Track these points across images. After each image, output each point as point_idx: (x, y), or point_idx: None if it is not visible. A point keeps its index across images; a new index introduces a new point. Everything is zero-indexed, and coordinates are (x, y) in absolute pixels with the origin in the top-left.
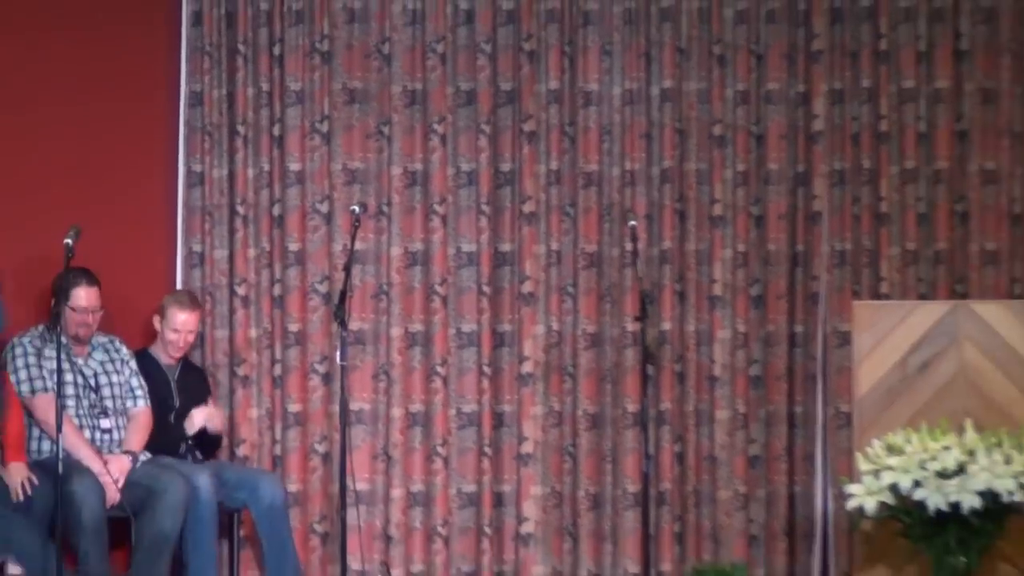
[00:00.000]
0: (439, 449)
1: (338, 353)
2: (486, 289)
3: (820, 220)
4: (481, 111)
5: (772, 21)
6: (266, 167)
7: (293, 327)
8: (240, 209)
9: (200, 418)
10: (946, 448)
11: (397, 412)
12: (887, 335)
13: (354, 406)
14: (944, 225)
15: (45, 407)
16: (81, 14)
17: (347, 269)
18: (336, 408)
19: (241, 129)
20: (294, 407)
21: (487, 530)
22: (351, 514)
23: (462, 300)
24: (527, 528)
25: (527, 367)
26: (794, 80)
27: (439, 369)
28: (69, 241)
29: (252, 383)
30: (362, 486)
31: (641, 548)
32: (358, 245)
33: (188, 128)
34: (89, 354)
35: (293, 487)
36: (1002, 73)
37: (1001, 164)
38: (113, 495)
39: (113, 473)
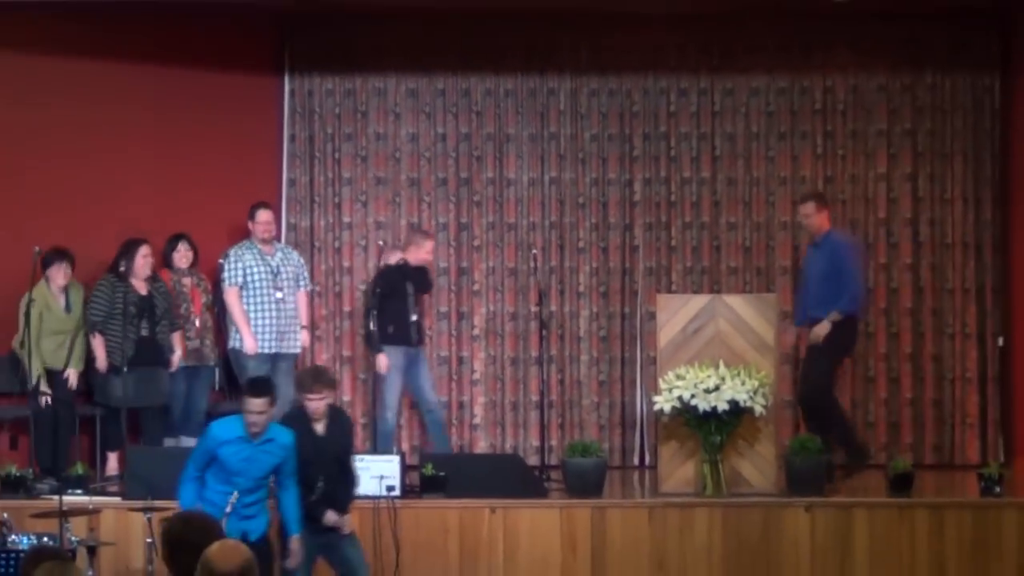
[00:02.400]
0: None
1: (370, 324)
2: (453, 288)
3: (638, 250)
4: (450, 190)
5: (611, 140)
6: (331, 220)
7: (346, 308)
8: (317, 244)
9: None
10: (709, 376)
11: None
12: (676, 313)
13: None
14: (707, 253)
15: (232, 297)
16: (225, 135)
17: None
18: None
19: (317, 199)
20: (345, 352)
21: (454, 421)
22: None
23: (440, 294)
24: (476, 421)
25: (476, 331)
26: (623, 172)
27: (428, 333)
28: (222, 261)
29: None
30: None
31: (539, 432)
32: (382, 264)
33: (287, 199)
34: (273, 254)
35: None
36: (738, 170)
37: (739, 219)
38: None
39: (305, 341)
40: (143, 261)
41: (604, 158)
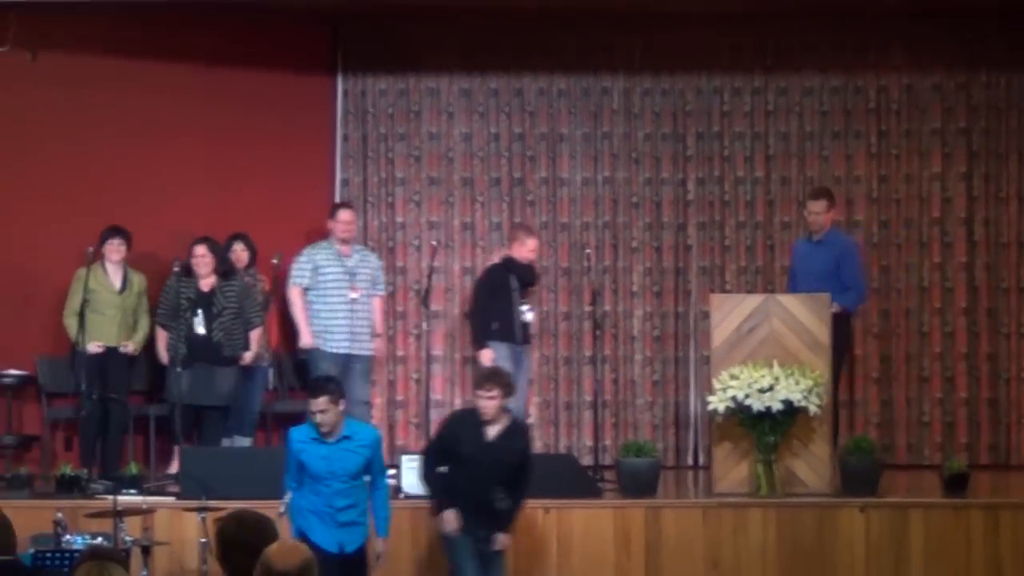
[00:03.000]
0: None
1: (424, 324)
2: None
3: (692, 250)
4: (503, 190)
5: (664, 139)
6: (384, 220)
7: (399, 308)
8: (370, 243)
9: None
10: (763, 376)
11: (458, 356)
12: (730, 313)
13: (434, 351)
14: (761, 252)
15: (294, 294)
16: (278, 135)
17: (429, 276)
18: (423, 353)
19: (371, 199)
20: (399, 351)
21: None
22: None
23: None
24: (530, 420)
25: (530, 331)
26: (677, 172)
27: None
28: (275, 261)
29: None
30: (438, 397)
31: (593, 432)
32: (436, 263)
33: (340, 199)
34: (350, 255)
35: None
36: (792, 170)
37: (792, 218)
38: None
39: (379, 351)
40: (196, 260)
41: (657, 157)
